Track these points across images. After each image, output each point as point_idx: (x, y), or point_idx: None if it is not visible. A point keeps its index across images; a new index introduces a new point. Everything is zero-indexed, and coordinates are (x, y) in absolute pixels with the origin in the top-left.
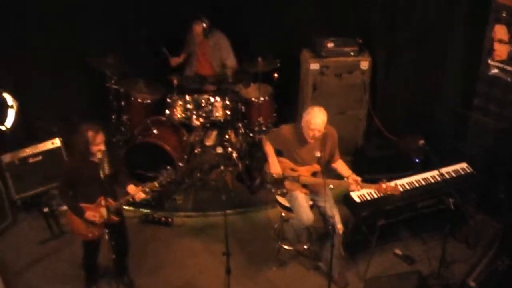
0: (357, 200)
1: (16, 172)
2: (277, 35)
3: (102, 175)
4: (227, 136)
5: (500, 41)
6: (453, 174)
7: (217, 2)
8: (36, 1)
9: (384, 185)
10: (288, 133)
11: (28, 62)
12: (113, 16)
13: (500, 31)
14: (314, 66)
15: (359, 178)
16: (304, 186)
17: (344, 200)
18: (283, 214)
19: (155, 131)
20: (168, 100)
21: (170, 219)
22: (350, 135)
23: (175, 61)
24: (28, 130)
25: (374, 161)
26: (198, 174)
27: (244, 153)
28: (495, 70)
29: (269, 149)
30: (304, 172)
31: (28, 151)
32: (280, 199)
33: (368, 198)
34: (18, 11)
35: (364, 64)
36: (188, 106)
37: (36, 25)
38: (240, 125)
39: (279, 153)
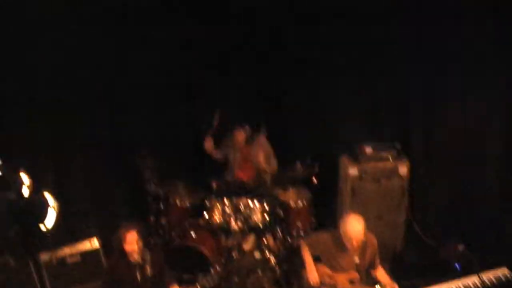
0: None
1: (54, 273)
2: (315, 139)
3: (139, 277)
4: (265, 241)
5: None
6: (494, 280)
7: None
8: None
9: None
10: (327, 239)
11: (67, 160)
12: (156, 113)
13: None
14: (353, 171)
15: (396, 286)
16: None
17: None
18: None
19: (193, 235)
20: (207, 203)
21: None
22: (388, 241)
23: (209, 144)
24: (67, 227)
25: (413, 267)
26: (236, 279)
27: (282, 258)
28: None
29: (307, 255)
30: (342, 279)
31: (67, 251)
32: None
33: None
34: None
35: (403, 170)
36: (227, 210)
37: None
38: (278, 229)
39: (317, 260)
